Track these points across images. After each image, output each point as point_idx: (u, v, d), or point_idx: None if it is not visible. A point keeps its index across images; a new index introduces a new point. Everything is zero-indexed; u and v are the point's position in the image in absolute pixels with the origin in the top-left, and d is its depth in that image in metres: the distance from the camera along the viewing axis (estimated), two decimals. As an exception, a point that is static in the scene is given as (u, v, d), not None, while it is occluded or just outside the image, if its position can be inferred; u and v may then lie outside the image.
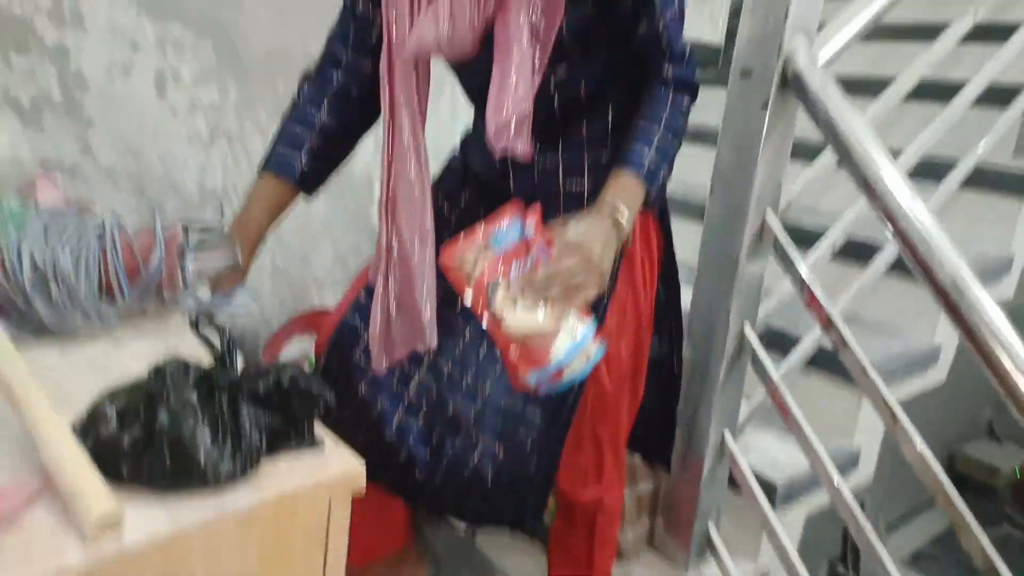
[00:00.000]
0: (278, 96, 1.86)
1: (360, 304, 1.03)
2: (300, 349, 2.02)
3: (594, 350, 0.79)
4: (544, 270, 0.77)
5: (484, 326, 0.79)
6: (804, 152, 1.50)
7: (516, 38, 0.80)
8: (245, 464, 0.55)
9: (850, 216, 1.44)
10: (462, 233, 0.80)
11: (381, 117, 0.91)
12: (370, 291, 0.97)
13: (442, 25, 0.80)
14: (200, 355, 0.69)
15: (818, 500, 1.49)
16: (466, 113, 1.16)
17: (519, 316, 0.75)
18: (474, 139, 1.07)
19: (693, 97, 0.94)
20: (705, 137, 2.32)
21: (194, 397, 0.54)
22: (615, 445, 1.10)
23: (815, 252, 1.34)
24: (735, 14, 2.80)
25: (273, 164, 0.94)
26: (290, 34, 1.82)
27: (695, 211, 2.04)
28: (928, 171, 1.59)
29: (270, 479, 0.57)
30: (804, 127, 1.11)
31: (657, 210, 1.06)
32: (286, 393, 0.59)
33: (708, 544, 1.33)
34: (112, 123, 1.65)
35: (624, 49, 0.91)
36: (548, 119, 0.91)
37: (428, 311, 0.89)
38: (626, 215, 0.85)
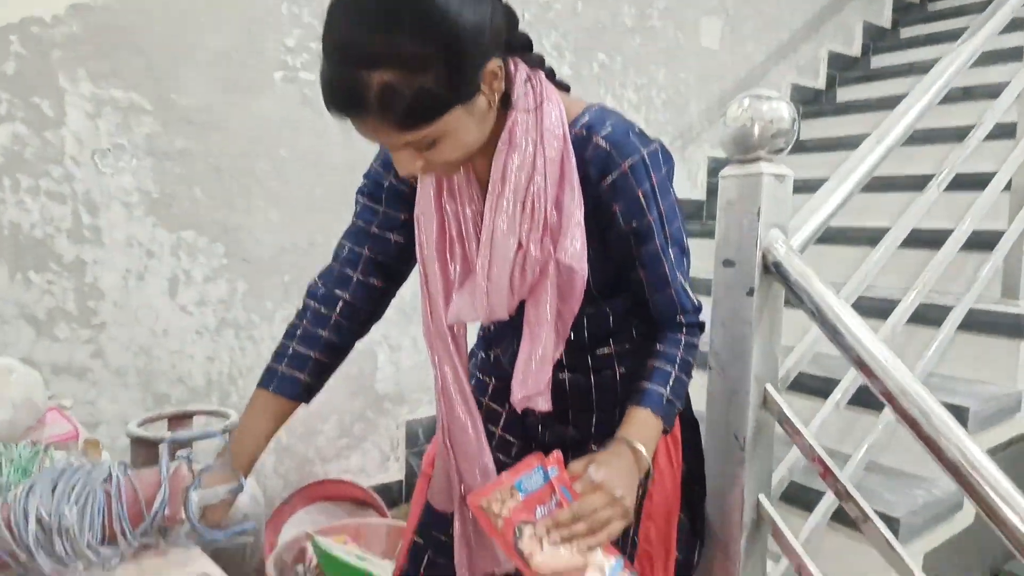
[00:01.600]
0: (285, 285, 1.96)
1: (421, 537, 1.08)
2: (303, 525, 1.96)
3: None
4: (569, 509, 0.79)
5: (515, 567, 0.80)
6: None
7: (545, 319, 0.87)
8: None
9: (847, 380, 1.46)
10: (490, 482, 0.83)
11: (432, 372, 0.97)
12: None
13: (479, 302, 0.86)
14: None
15: None
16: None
17: (547, 553, 0.76)
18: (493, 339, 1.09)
19: (701, 331, 1.01)
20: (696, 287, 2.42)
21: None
22: None
23: (820, 415, 1.34)
24: (712, 172, 3.02)
25: (276, 384, 0.95)
26: (298, 230, 1.94)
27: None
28: (920, 317, 1.63)
29: None
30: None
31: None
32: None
33: None
34: (124, 326, 1.72)
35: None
36: (578, 348, 0.98)
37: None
38: (644, 451, 0.88)
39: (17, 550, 0.69)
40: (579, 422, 1.03)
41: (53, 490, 0.72)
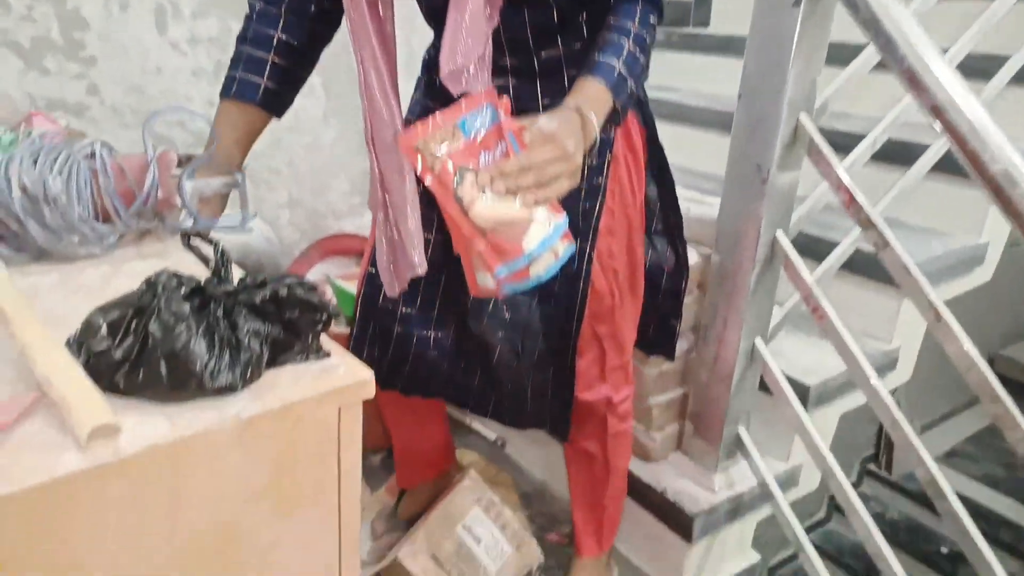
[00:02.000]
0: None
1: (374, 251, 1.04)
2: (322, 273, 2.02)
3: (563, 248, 0.76)
4: (517, 159, 0.73)
5: (446, 215, 0.74)
6: (836, 58, 1.40)
7: None
8: (245, 374, 0.53)
9: (890, 117, 1.34)
10: (430, 116, 0.74)
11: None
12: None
13: None
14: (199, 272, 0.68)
15: (851, 401, 1.46)
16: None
17: (489, 202, 0.71)
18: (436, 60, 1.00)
19: (660, 16, 0.90)
20: (728, 48, 2.21)
21: (187, 308, 0.53)
22: (618, 345, 1.10)
23: (854, 154, 1.26)
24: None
25: (235, 91, 0.90)
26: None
27: (722, 124, 1.95)
28: (970, 71, 1.47)
29: (274, 390, 0.55)
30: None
31: (640, 114, 1.03)
32: (285, 305, 0.57)
33: (738, 445, 1.32)
34: (114, 61, 1.62)
35: None
36: (522, 43, 0.89)
37: (416, 240, 0.86)
38: (594, 119, 0.81)
39: (6, 218, 0.68)
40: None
41: (35, 162, 0.69)
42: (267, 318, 0.57)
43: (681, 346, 1.34)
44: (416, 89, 1.10)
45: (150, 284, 0.55)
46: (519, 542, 1.32)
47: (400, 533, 1.37)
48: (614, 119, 0.88)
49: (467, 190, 0.71)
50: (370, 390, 0.59)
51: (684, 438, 1.39)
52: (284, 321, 0.57)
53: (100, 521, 0.46)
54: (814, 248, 1.43)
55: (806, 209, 1.27)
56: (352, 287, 1.70)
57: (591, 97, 0.82)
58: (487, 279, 0.77)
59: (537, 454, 1.65)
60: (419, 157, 0.72)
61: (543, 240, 0.73)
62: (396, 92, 0.86)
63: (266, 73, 0.90)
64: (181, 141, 1.77)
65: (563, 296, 1.02)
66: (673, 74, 2.41)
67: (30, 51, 1.52)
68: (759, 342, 1.24)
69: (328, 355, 0.61)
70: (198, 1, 1.69)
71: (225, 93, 0.92)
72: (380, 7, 0.83)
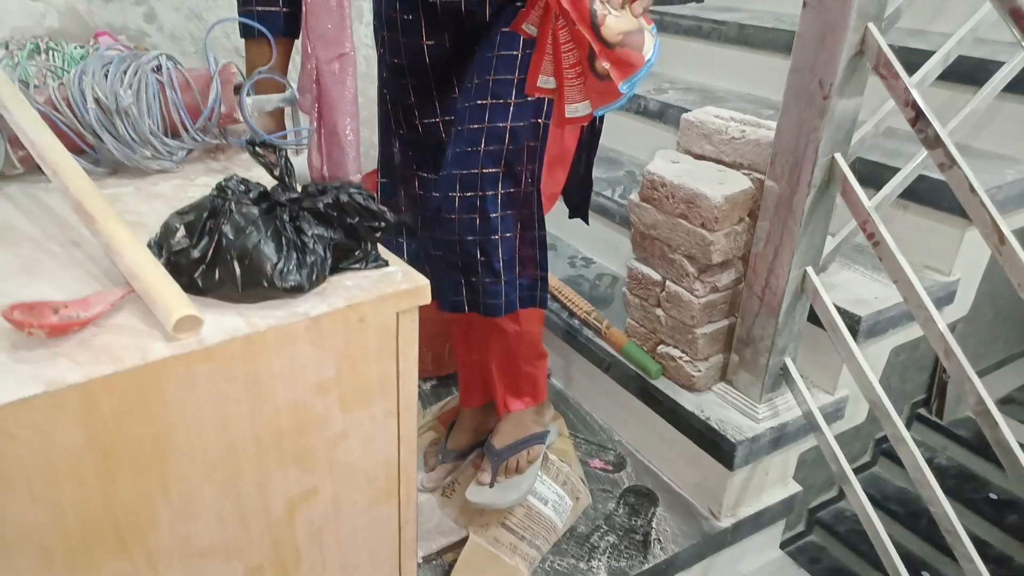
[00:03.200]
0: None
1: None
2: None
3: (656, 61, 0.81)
4: None
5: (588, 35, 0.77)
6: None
7: None
8: (311, 276, 0.56)
9: (966, 28, 1.26)
10: None
11: None
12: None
13: None
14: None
15: (904, 335, 1.44)
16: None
17: (615, 17, 0.75)
18: None
19: None
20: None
21: (255, 211, 0.55)
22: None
23: (924, 68, 1.20)
24: None
25: (257, 32, 0.90)
26: None
27: (787, 46, 1.87)
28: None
29: (338, 292, 0.58)
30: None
31: None
32: (346, 211, 0.59)
33: (784, 376, 1.32)
34: (169, -15, 1.63)
35: None
36: None
37: (351, 147, 0.88)
38: None
39: (83, 130, 0.71)
40: None
41: (106, 75, 0.72)
42: (329, 223, 0.59)
43: (729, 276, 1.33)
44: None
45: (220, 189, 0.57)
46: (577, 493, 1.38)
47: (450, 464, 1.43)
48: None
49: (599, 5, 0.75)
50: (425, 296, 0.62)
51: (730, 368, 1.40)
52: (345, 226, 0.60)
53: (187, 400, 0.50)
54: (873, 176, 1.38)
55: (868, 130, 1.22)
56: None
57: None
58: (579, 109, 0.82)
59: (578, 380, 1.69)
60: None
61: (655, 48, 0.78)
62: None
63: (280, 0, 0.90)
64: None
65: (520, 132, 0.98)
66: (733, -6, 2.31)
67: (89, -24, 1.54)
68: (811, 271, 1.23)
69: (386, 263, 0.63)
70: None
71: (248, 34, 0.92)
72: None
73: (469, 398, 1.45)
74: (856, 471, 1.83)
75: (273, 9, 0.90)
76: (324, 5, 0.84)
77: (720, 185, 1.24)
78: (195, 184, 0.76)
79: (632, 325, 1.51)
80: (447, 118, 1.01)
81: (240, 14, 0.92)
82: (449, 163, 0.98)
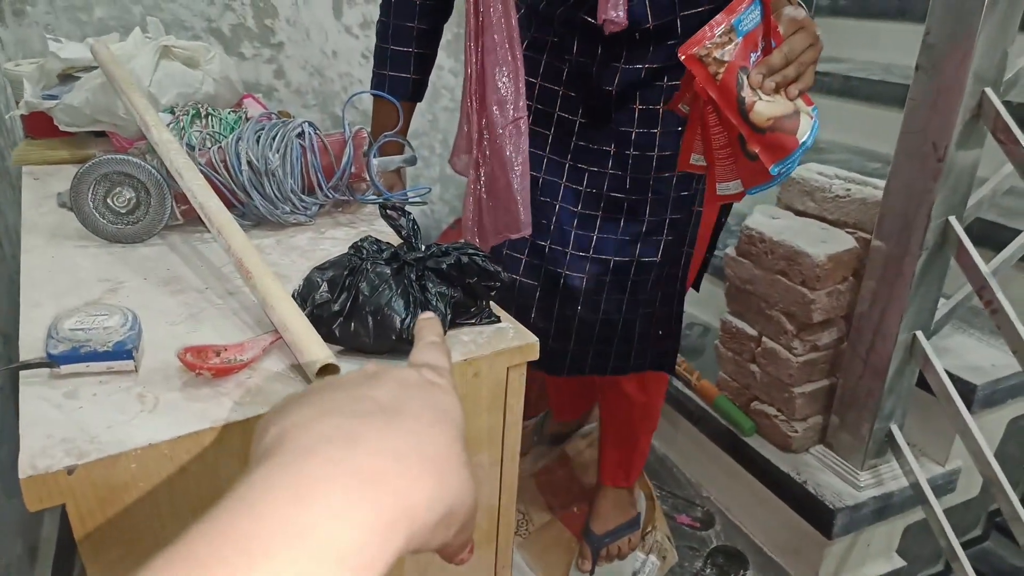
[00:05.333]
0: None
1: None
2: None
3: (812, 144, 0.77)
4: (781, 53, 0.74)
5: (734, 118, 0.76)
6: None
7: None
8: (433, 330, 0.61)
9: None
10: (709, 23, 0.74)
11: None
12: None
13: None
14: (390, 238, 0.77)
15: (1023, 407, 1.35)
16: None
17: (764, 100, 0.72)
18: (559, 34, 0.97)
19: None
20: (905, 12, 2.04)
21: (388, 271, 0.61)
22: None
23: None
24: None
25: (388, 87, 0.98)
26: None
27: (895, 98, 1.82)
28: None
29: (456, 347, 0.63)
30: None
31: None
32: (465, 271, 0.64)
33: (889, 443, 1.26)
34: (298, 45, 1.80)
35: None
36: None
37: (521, 198, 0.90)
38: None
39: (235, 189, 0.80)
40: (656, 56, 0.91)
41: (258, 140, 0.81)
42: (450, 282, 0.64)
43: (830, 335, 1.30)
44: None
45: (356, 248, 0.64)
46: (664, 552, 1.38)
47: (544, 447, 1.47)
48: None
49: (747, 92, 0.73)
50: (534, 353, 0.65)
51: (829, 431, 1.35)
52: (464, 285, 0.64)
53: (321, 443, 0.55)
54: (990, 236, 1.33)
55: (986, 193, 1.18)
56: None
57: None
58: (731, 187, 0.80)
59: (665, 431, 1.67)
60: (701, 66, 0.73)
61: (811, 131, 0.75)
62: (517, 46, 0.87)
63: (411, 67, 0.98)
64: (351, 120, 1.94)
65: (679, 223, 1.00)
66: (840, 43, 2.27)
67: (231, 38, 1.72)
68: (921, 335, 1.18)
69: (498, 319, 0.67)
70: (371, -13, 1.83)
71: (380, 92, 1.00)
72: None
73: (563, 414, 1.48)
74: (966, 545, 1.70)
75: (403, 75, 0.98)
76: (500, 74, 0.87)
77: (823, 243, 1.22)
78: (325, 237, 0.83)
79: (724, 379, 1.49)
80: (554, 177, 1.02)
81: (374, 75, 1.01)
82: (604, 248, 1.00)
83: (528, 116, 0.91)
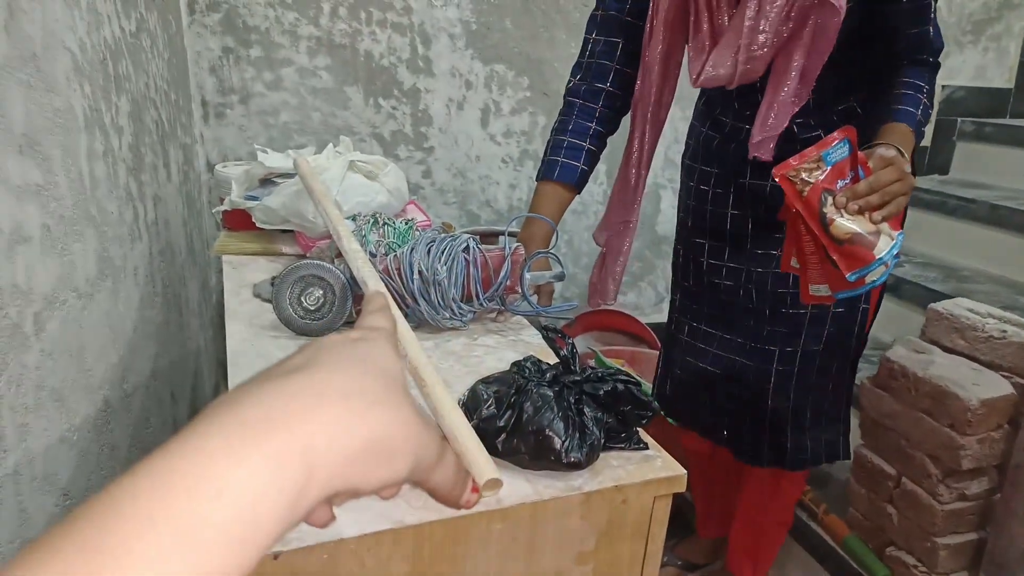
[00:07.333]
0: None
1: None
2: (586, 346, 2.17)
3: (893, 261, 0.85)
4: (866, 182, 0.84)
5: (816, 231, 0.87)
6: None
7: (791, 71, 0.93)
8: (589, 455, 0.64)
9: None
10: (802, 152, 0.87)
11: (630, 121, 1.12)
12: None
13: (741, 63, 0.91)
14: (545, 355, 0.81)
15: None
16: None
17: (845, 219, 0.83)
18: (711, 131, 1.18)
19: (937, 73, 1.01)
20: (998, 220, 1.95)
21: (551, 393, 0.65)
22: None
23: None
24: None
25: (559, 173, 1.07)
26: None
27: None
28: None
29: (606, 471, 0.65)
30: None
31: None
32: (620, 399, 0.67)
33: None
34: (447, 150, 1.96)
35: (883, 52, 0.99)
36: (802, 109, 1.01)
37: (612, 283, 1.19)
38: (907, 157, 0.91)
39: (405, 294, 0.89)
40: None
41: (428, 251, 0.90)
42: (605, 408, 0.67)
43: (981, 484, 1.21)
44: (695, 118, 1.26)
45: (519, 367, 0.69)
46: None
47: (675, 569, 1.44)
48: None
49: (830, 209, 0.84)
50: (682, 484, 0.67)
51: (977, 591, 1.23)
52: (617, 412, 0.67)
53: (481, 553, 0.59)
54: None
55: None
56: (612, 363, 1.81)
57: (901, 136, 0.93)
58: (821, 289, 0.90)
59: (786, 564, 1.57)
60: (791, 184, 0.86)
61: (889, 250, 0.83)
62: (648, 164, 1.13)
63: (583, 158, 1.08)
64: (485, 218, 2.07)
65: (845, 315, 1.10)
66: (987, 170, 2.20)
67: (389, 142, 1.91)
68: (1091, 499, 1.07)
69: (647, 446, 0.69)
70: (516, 100, 1.98)
71: (548, 175, 1.09)
72: (663, 93, 1.07)
73: (709, 529, 1.44)
74: None
75: (574, 164, 1.08)
76: (628, 185, 1.10)
77: (975, 386, 1.16)
78: (478, 344, 0.89)
79: (856, 516, 1.40)
80: (730, 280, 1.17)
81: (545, 163, 1.10)
82: (773, 339, 1.12)
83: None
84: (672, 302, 1.31)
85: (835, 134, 0.86)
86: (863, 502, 1.36)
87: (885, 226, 0.85)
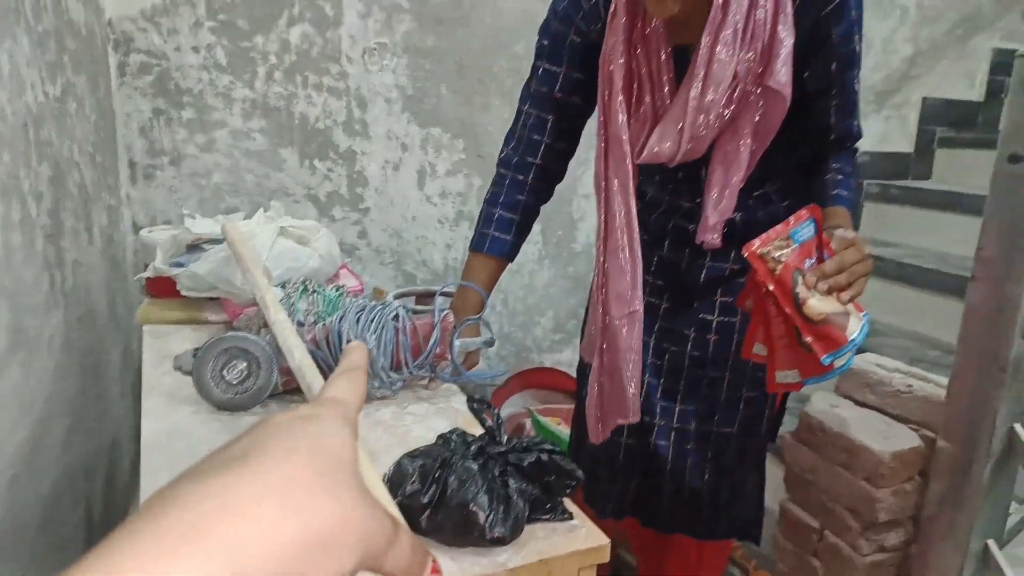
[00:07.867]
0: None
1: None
2: (523, 405, 2.18)
3: (863, 343, 0.85)
4: (835, 262, 0.85)
5: (788, 310, 0.85)
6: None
7: (739, 151, 0.93)
8: (514, 528, 0.64)
9: None
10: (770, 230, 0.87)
11: (596, 206, 1.04)
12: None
13: (684, 142, 0.91)
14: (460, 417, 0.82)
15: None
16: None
17: (817, 299, 0.82)
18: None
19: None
20: (955, 204, 2.13)
21: (475, 467, 0.66)
22: None
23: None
24: (997, 69, 2.56)
25: (489, 246, 1.09)
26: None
27: (950, 288, 1.86)
28: None
29: (532, 543, 0.66)
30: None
31: None
32: (545, 469, 0.69)
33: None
34: (383, 211, 1.98)
35: (812, 142, 1.02)
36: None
37: (632, 387, 1.00)
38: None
39: (333, 364, 0.88)
40: (739, 257, 0.99)
41: (358, 320, 0.90)
42: (530, 478, 0.68)
43: (898, 536, 1.26)
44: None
45: (445, 440, 0.69)
46: None
47: None
48: None
49: (801, 289, 0.83)
50: (605, 554, 0.68)
51: (898, 639, 1.27)
52: (543, 482, 0.68)
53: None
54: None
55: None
56: (548, 422, 1.82)
57: (844, 220, 0.95)
58: (789, 375, 0.88)
59: None
60: (763, 262, 0.85)
61: (860, 330, 0.83)
62: (635, 234, 0.99)
63: (512, 231, 1.10)
64: (421, 278, 2.08)
65: (755, 400, 1.08)
66: (892, 229, 2.36)
67: (324, 203, 1.91)
68: (992, 545, 1.14)
69: (571, 517, 0.70)
70: (451, 162, 2.03)
71: (479, 248, 1.10)
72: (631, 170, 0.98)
73: None
74: None
75: (504, 237, 1.09)
76: (621, 272, 0.99)
77: (886, 439, 1.22)
78: (407, 412, 0.89)
79: (783, 571, 1.43)
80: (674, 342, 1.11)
81: (477, 234, 1.10)
82: (685, 419, 1.09)
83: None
84: (579, 370, 1.25)
85: (803, 211, 0.87)
86: (790, 557, 1.40)
87: (851, 307, 0.84)
